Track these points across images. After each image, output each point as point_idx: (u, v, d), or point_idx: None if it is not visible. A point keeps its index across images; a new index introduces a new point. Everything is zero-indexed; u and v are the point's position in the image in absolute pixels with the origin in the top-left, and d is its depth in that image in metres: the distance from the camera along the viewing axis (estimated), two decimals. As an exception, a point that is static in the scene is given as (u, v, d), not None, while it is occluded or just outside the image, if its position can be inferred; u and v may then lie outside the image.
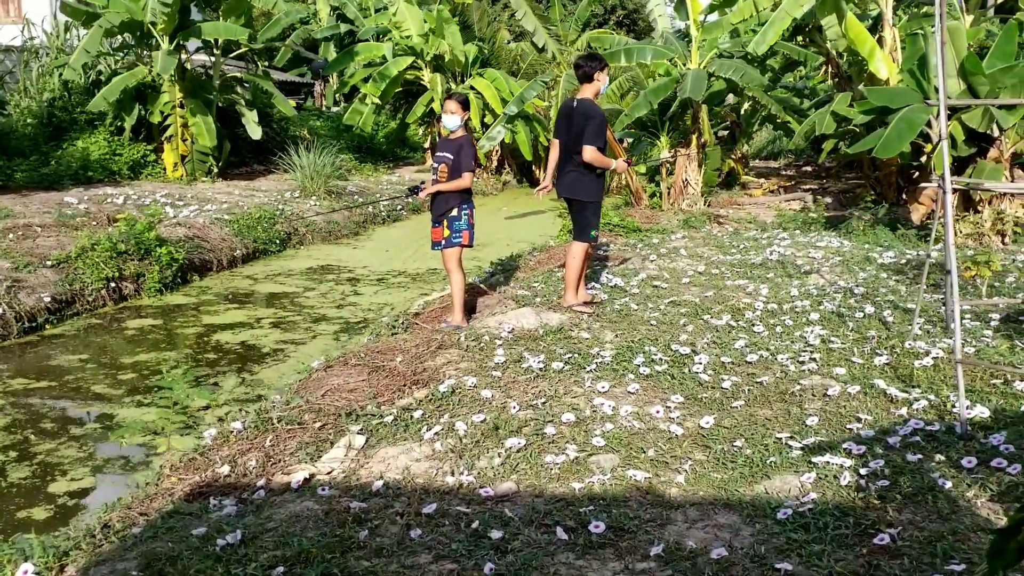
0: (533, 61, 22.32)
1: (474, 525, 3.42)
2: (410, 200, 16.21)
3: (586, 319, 6.59)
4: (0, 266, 8.61)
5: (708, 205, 14.08)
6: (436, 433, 4.41)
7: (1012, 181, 10.18)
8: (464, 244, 6.65)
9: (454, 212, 6.57)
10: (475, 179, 7.72)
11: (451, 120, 6.51)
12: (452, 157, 6.49)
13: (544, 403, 4.81)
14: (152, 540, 3.52)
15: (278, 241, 12.48)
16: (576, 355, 5.65)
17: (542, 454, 4.13)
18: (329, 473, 4.08)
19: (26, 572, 3.30)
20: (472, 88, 20.14)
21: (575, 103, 6.70)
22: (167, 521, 3.71)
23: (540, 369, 5.39)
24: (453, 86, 20.47)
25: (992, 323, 6.06)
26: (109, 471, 5.13)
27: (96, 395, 6.43)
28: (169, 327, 8.38)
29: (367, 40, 21.50)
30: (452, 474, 3.97)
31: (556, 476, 3.92)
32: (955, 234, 5.98)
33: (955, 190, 6.11)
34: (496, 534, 3.33)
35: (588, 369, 5.38)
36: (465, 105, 6.58)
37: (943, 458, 3.84)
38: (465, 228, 6.62)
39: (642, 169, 15.11)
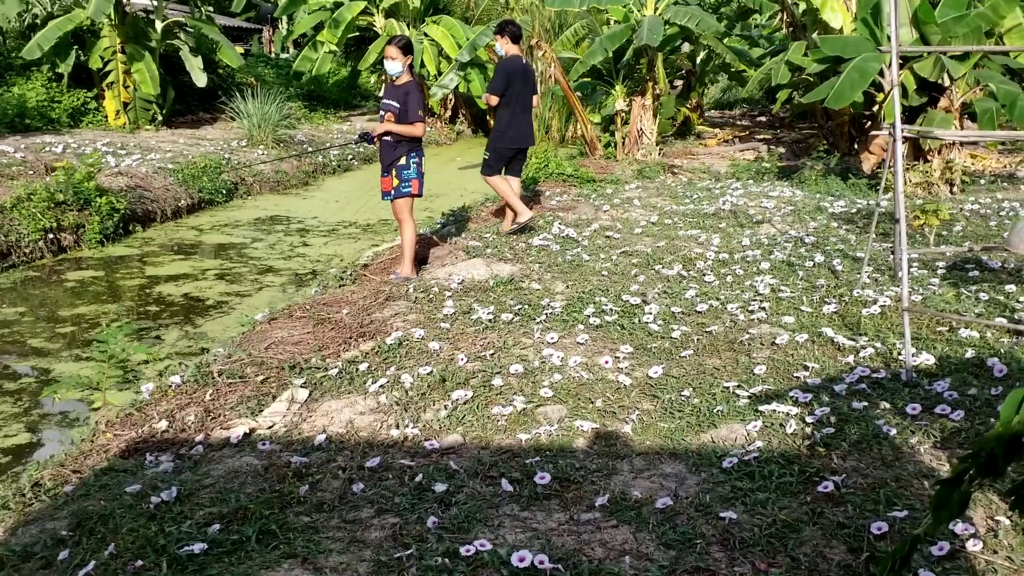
0: (487, 7, 21.88)
1: (418, 478, 3.36)
2: (361, 149, 15.92)
3: (537, 269, 6.52)
4: (-70, 217, 8.28)
5: (663, 155, 14.02)
6: (381, 386, 4.33)
7: (961, 131, 10.25)
8: (414, 194, 6.50)
9: (403, 161, 6.40)
10: (427, 128, 7.61)
11: (392, 66, 6.33)
12: (399, 105, 6.30)
13: (492, 354, 4.75)
14: (84, 498, 3.40)
15: (225, 191, 12.18)
16: (526, 306, 5.58)
17: (489, 406, 4.07)
18: (270, 427, 3.98)
19: (-50, 533, 3.19)
20: (426, 35, 19.73)
21: (524, 61, 7.56)
22: (100, 479, 3.59)
23: (489, 320, 5.31)
24: (407, 32, 20.03)
25: (939, 271, 6.11)
26: (44, 427, 4.97)
27: (33, 349, 6.22)
28: (110, 279, 8.14)
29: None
30: (397, 427, 3.90)
31: (503, 428, 3.86)
32: (905, 183, 5.98)
33: (905, 139, 6.10)
34: (440, 487, 3.27)
35: (538, 320, 5.32)
36: (406, 49, 6.36)
37: (888, 405, 3.85)
38: (415, 177, 6.46)
39: (597, 119, 14.98)
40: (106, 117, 15.71)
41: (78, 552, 3.00)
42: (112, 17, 14.89)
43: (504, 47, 7.48)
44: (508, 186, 7.71)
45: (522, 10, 18.96)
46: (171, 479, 3.46)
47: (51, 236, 8.84)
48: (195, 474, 3.51)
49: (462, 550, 2.80)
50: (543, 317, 5.36)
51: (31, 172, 10.56)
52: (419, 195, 6.54)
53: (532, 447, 3.65)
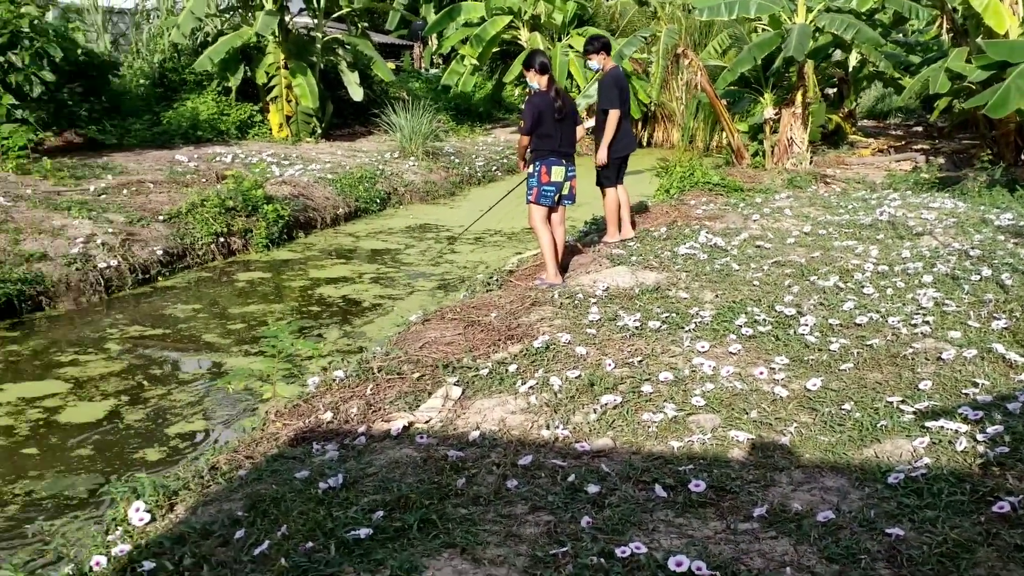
0: (633, 18, 21.86)
1: (570, 479, 3.40)
2: (504, 160, 16.35)
3: (684, 278, 6.47)
4: (115, 220, 8.98)
5: (814, 164, 13.60)
6: (531, 387, 4.40)
7: None
8: (532, 201, 6.61)
9: (531, 168, 6.60)
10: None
11: (529, 81, 6.64)
12: None
13: (640, 361, 4.74)
14: (257, 482, 3.63)
15: (379, 200, 12.67)
16: (674, 315, 5.55)
17: (639, 412, 4.07)
18: (427, 422, 4.13)
19: (138, 509, 3.47)
20: (571, 47, 19.88)
21: (621, 69, 7.75)
22: (272, 464, 3.82)
23: (636, 328, 5.31)
24: (551, 46, 20.25)
25: (1125, 289, 5.67)
26: (217, 416, 5.32)
27: (206, 344, 6.67)
28: (276, 281, 8.62)
29: (467, 1, 21.42)
30: (547, 428, 3.96)
31: (654, 434, 3.86)
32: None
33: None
34: (593, 488, 3.31)
35: (686, 329, 5.28)
36: (540, 67, 6.53)
37: (1069, 427, 3.62)
38: (535, 185, 6.60)
39: (744, 127, 14.68)
40: (270, 129, 16.61)
41: (253, 532, 3.20)
42: (276, 34, 15.75)
43: (601, 62, 7.60)
44: (617, 204, 7.95)
45: (668, 19, 18.88)
46: (337, 467, 3.64)
47: (222, 240, 9.44)
48: (359, 463, 3.68)
49: (617, 551, 2.82)
50: (692, 326, 5.32)
51: (203, 180, 11.29)
52: (537, 203, 6.60)
53: (685, 455, 3.63)
